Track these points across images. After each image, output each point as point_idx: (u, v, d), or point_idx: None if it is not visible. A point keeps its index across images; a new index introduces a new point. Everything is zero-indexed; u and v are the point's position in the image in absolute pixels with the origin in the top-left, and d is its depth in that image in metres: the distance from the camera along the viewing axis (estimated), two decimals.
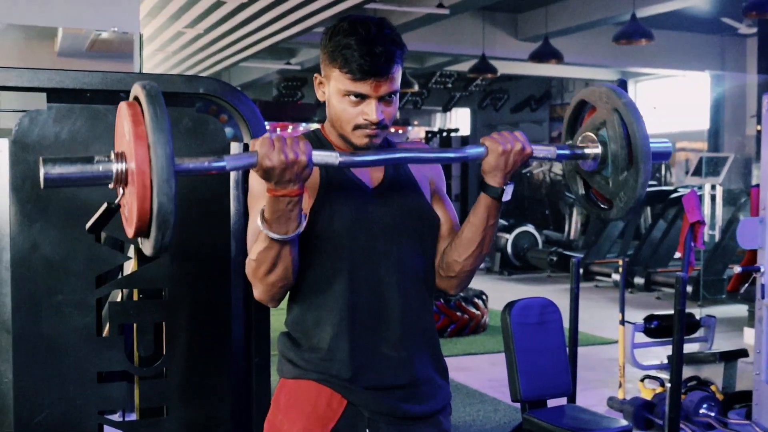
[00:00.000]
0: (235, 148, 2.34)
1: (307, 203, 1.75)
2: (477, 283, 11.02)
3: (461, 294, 8.40)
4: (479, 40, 10.85)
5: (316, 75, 1.82)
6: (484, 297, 8.39)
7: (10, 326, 2.18)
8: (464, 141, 18.22)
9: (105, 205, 1.61)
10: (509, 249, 12.92)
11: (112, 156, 1.49)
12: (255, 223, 1.71)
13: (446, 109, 17.95)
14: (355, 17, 1.76)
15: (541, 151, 1.78)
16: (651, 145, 1.74)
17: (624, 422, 3.30)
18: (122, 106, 1.50)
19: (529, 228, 13.31)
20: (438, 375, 1.90)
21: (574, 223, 14.14)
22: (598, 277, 11.27)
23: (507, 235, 13.03)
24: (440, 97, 17.07)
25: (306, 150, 1.57)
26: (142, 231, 1.48)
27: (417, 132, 20.31)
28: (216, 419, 2.34)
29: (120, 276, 2.39)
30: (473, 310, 8.02)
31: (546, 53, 9.66)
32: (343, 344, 1.78)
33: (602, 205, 1.88)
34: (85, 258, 2.20)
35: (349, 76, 1.70)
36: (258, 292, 1.76)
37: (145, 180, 1.42)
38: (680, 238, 4.29)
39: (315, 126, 15.44)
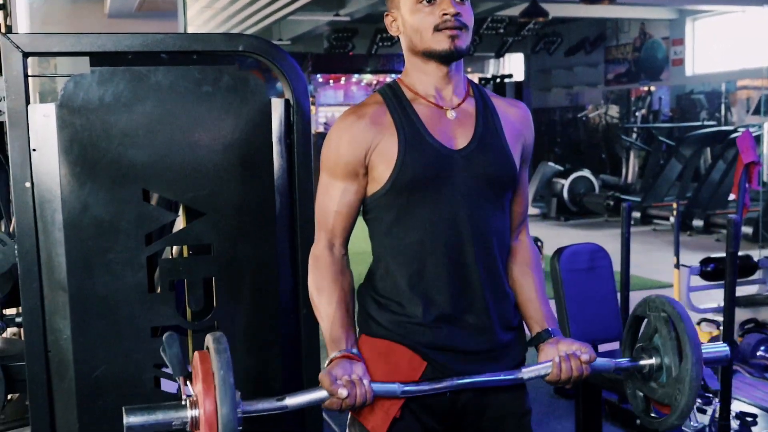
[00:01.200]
0: (276, 104, 2.36)
1: (385, 172, 1.75)
2: (533, 229, 10.93)
3: None
4: None
5: (386, 14, 1.82)
6: (539, 243, 8.34)
7: (66, 285, 2.25)
8: (518, 86, 17.90)
9: None
10: (565, 194, 12.80)
11: (187, 402, 1.57)
12: (325, 201, 1.80)
13: (499, 55, 17.66)
14: None
15: (601, 365, 1.82)
16: (704, 350, 1.76)
17: None
18: (196, 357, 1.59)
19: (586, 173, 13.15)
20: (515, 336, 1.90)
21: (631, 167, 13.93)
22: (656, 221, 11.14)
23: (563, 181, 12.90)
24: (492, 43, 16.78)
25: (370, 397, 1.65)
26: None
27: (471, 78, 20.04)
28: (267, 370, 2.39)
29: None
30: None
31: None
32: (427, 311, 1.78)
33: (661, 415, 1.86)
34: (134, 217, 2.26)
35: None
36: None
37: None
38: (734, 180, 4.21)
39: (368, 77, 15.29)
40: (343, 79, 20.32)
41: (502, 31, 14.80)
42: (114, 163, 2.24)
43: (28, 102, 2.22)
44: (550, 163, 13.72)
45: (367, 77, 20.36)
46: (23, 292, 2.26)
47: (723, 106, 13.46)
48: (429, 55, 1.76)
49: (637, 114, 14.57)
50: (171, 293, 2.32)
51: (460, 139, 1.79)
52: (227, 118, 2.31)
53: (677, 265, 5.18)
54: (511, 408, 1.88)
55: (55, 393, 2.29)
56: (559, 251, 3.51)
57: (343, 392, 1.62)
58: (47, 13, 3.72)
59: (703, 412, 3.92)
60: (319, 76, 19.67)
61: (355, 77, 20.34)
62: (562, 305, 3.43)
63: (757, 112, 9.37)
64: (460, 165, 1.77)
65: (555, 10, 11.90)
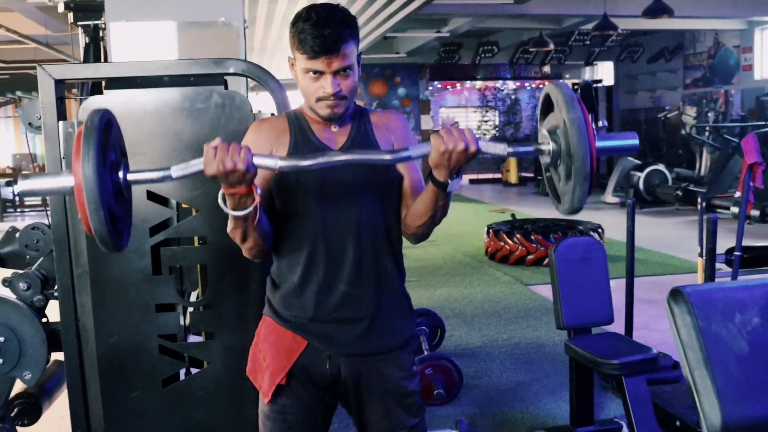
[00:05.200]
0: (261, 117, 2.31)
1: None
2: (612, 216, 10.46)
3: (568, 222, 8.00)
4: (601, 1, 10.13)
5: (289, 57, 1.77)
6: (600, 230, 7.98)
7: (88, 269, 2.31)
8: (608, 90, 17.23)
9: None
10: (641, 185, 12.24)
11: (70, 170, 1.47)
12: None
13: (588, 63, 17.03)
14: (314, 4, 1.69)
15: (490, 147, 1.57)
16: (613, 143, 1.52)
17: (654, 351, 3.01)
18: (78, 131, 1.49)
19: (660, 166, 12.53)
20: (399, 313, 1.81)
21: (704, 161, 13.13)
22: (719, 210, 10.44)
23: (639, 173, 12.35)
24: (582, 53, 16.20)
25: (245, 158, 1.50)
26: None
27: (567, 84, 19.41)
28: (251, 340, 2.37)
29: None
30: None
31: (657, 9, 8.83)
32: (305, 286, 1.75)
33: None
34: (141, 213, 2.28)
35: (306, 56, 1.66)
36: (243, 252, 1.75)
37: (83, 205, 1.43)
38: (740, 178, 3.86)
39: (478, 83, 15.06)
40: (458, 84, 20.06)
41: (588, 42, 14.21)
42: None
43: (59, 119, 2.28)
44: (629, 158, 13.10)
45: (478, 83, 20.02)
46: (58, 271, 2.34)
47: None
48: (314, 112, 1.74)
49: (709, 115, 13.67)
50: (171, 276, 2.33)
51: (339, 142, 1.77)
52: (218, 129, 2.29)
53: (701, 254, 4.82)
54: (392, 387, 1.78)
55: (83, 355, 2.35)
56: (556, 244, 3.32)
57: (219, 154, 1.48)
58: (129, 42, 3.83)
59: None
60: (437, 82, 19.54)
61: (468, 83, 20.04)
62: (557, 291, 3.25)
63: None
64: None
65: (626, 24, 11.29)
